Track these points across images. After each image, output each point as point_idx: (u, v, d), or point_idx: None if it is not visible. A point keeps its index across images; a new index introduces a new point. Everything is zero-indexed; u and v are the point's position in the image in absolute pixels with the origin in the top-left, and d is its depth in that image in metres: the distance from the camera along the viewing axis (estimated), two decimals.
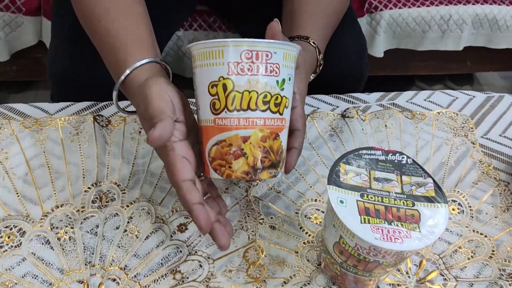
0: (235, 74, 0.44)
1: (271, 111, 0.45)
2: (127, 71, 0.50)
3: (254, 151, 0.45)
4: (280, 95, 0.45)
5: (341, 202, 0.44)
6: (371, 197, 0.45)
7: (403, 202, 0.45)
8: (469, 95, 0.75)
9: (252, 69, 0.44)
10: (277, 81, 0.45)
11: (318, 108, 0.70)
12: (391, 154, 0.49)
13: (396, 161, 0.48)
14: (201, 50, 0.45)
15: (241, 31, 0.94)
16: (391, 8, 1.06)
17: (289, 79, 0.46)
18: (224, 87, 0.44)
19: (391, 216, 0.43)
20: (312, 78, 0.61)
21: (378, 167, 0.48)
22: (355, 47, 0.77)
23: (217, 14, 1.00)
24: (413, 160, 0.49)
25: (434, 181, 0.47)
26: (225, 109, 0.44)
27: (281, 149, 0.47)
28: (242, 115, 0.44)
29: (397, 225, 0.43)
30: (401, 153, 0.49)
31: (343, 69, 0.76)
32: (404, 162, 0.48)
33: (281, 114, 0.46)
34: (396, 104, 0.72)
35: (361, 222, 0.43)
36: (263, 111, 0.45)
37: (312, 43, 0.59)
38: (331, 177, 0.46)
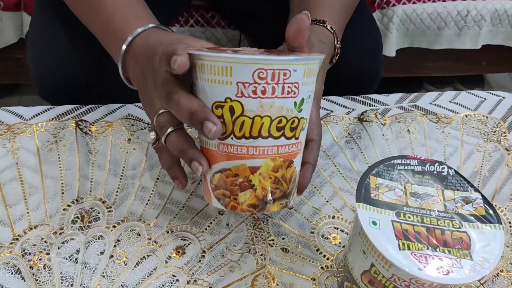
0: (245, 96, 0.36)
1: (286, 137, 0.38)
2: (129, 38, 0.45)
3: (264, 183, 0.39)
4: (298, 118, 0.38)
5: (374, 223, 0.36)
6: (409, 217, 0.37)
7: (448, 223, 0.37)
8: (498, 95, 0.67)
9: (266, 91, 0.36)
10: (295, 103, 0.38)
11: (331, 111, 0.62)
12: (429, 164, 0.41)
13: (435, 172, 0.41)
14: (205, 62, 0.36)
15: (242, 28, 0.87)
16: (404, 3, 0.98)
17: (309, 96, 0.39)
18: (232, 110, 0.36)
19: (435, 240, 0.36)
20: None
21: (415, 180, 0.40)
22: (368, 42, 0.69)
23: (216, 10, 0.92)
24: (455, 171, 0.41)
25: (483, 196, 0.39)
26: (232, 135, 0.37)
27: (294, 176, 0.40)
28: (251, 143, 0.37)
29: (444, 252, 0.35)
30: (440, 163, 0.41)
31: (355, 66, 0.68)
32: (445, 173, 0.41)
33: (297, 139, 0.39)
34: (418, 106, 0.65)
35: (400, 249, 0.35)
36: (276, 138, 0.38)
37: (329, 28, 0.51)
38: (359, 193, 0.38)
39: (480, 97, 0.67)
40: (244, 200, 0.40)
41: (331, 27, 0.51)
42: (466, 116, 0.64)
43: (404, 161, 0.41)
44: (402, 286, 0.35)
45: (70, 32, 0.56)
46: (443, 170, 0.41)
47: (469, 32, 1.02)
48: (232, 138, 0.37)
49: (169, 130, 0.40)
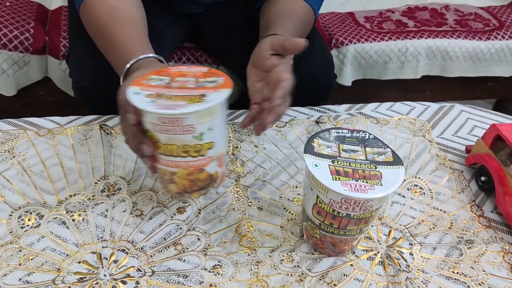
0: (156, 131, 0.51)
1: (192, 157, 0.53)
2: (132, 61, 0.63)
3: (183, 181, 0.55)
4: (201, 144, 0.52)
5: (316, 165, 0.53)
6: (341, 163, 0.54)
7: (367, 166, 0.54)
8: (425, 105, 0.87)
9: (169, 130, 0.50)
10: (195, 136, 0.51)
11: (295, 117, 0.81)
12: (356, 132, 0.59)
13: (360, 137, 0.58)
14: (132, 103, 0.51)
15: (224, 64, 1.07)
16: (355, 43, 1.21)
17: (209, 129, 0.51)
18: (151, 137, 0.53)
19: (358, 175, 0.52)
20: None
21: (346, 142, 0.57)
22: (323, 58, 0.89)
23: (203, 50, 1.13)
24: (374, 136, 0.59)
25: (392, 150, 0.57)
26: (156, 150, 0.54)
27: (209, 176, 0.56)
28: (167, 158, 0.54)
29: (363, 181, 0.52)
30: (364, 131, 0.59)
31: (313, 77, 0.87)
32: (367, 137, 0.58)
33: (203, 156, 0.53)
34: (362, 113, 0.83)
35: (333, 180, 0.51)
36: (184, 157, 0.53)
37: None
38: (307, 148, 0.55)
39: (411, 106, 0.86)
40: (172, 189, 0.56)
41: None
42: (400, 119, 0.83)
43: (339, 130, 0.59)
44: (337, 208, 0.52)
45: (100, 57, 0.74)
46: (365, 135, 0.58)
47: (410, 65, 1.24)
48: (157, 151, 0.54)
49: (127, 136, 0.57)
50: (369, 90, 1.31)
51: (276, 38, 0.65)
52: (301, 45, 0.61)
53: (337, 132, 0.58)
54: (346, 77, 1.22)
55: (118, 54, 0.67)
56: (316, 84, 0.86)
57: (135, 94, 0.52)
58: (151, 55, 0.65)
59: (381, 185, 0.51)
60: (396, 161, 0.55)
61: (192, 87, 0.53)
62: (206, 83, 0.54)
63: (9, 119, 0.73)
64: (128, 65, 0.64)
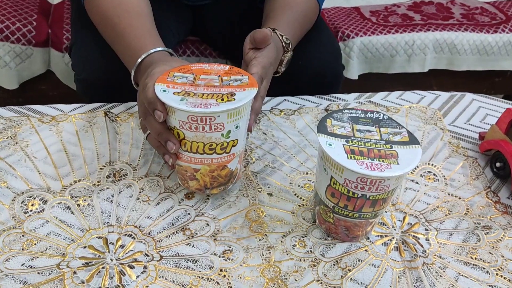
0: (184, 129, 0.52)
1: (217, 153, 0.54)
2: (144, 55, 0.62)
3: (204, 178, 0.56)
4: (226, 142, 0.53)
5: (330, 144, 0.51)
6: (355, 142, 0.52)
7: (383, 146, 0.52)
8: (435, 94, 0.85)
9: (198, 128, 0.51)
10: (222, 134, 0.52)
11: (304, 105, 0.79)
12: (369, 112, 0.57)
13: (374, 117, 0.56)
14: (166, 105, 0.52)
15: (228, 57, 1.06)
16: (361, 36, 1.19)
17: (236, 127, 0.53)
18: (178, 134, 0.54)
19: (374, 155, 0.51)
20: (284, 66, 0.71)
21: (360, 122, 0.56)
22: (331, 48, 0.88)
23: (207, 43, 1.12)
24: (388, 116, 0.57)
25: (407, 130, 0.55)
26: (180, 148, 0.54)
27: (230, 172, 0.57)
28: (192, 155, 0.54)
29: (379, 160, 0.50)
30: (378, 112, 0.57)
31: (321, 67, 0.86)
32: (381, 118, 0.56)
33: (227, 153, 0.55)
34: (372, 101, 0.82)
35: (348, 158, 0.50)
36: (210, 154, 0.54)
37: (279, 34, 0.69)
38: (320, 127, 0.53)
39: (421, 95, 0.85)
40: (193, 185, 0.58)
41: (280, 34, 0.69)
42: (410, 107, 0.81)
43: (352, 111, 0.57)
44: (352, 188, 0.50)
45: (104, 48, 0.73)
46: (379, 116, 0.57)
47: (417, 58, 1.23)
48: (181, 149, 0.54)
49: (148, 132, 0.57)
50: (375, 85, 1.30)
51: (253, 31, 0.64)
52: (265, 33, 0.61)
53: (350, 113, 0.57)
54: (353, 71, 1.20)
55: (128, 48, 0.66)
56: (324, 74, 0.85)
57: (163, 92, 0.52)
58: (160, 48, 0.64)
59: (398, 163, 0.50)
60: (412, 140, 0.53)
61: (219, 85, 0.54)
62: (231, 81, 0.55)
63: (12, 107, 0.71)
64: (139, 60, 0.63)
